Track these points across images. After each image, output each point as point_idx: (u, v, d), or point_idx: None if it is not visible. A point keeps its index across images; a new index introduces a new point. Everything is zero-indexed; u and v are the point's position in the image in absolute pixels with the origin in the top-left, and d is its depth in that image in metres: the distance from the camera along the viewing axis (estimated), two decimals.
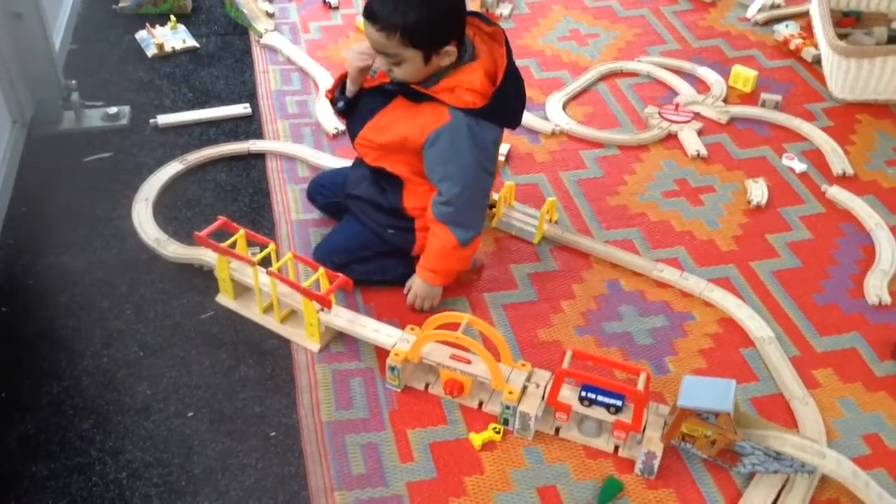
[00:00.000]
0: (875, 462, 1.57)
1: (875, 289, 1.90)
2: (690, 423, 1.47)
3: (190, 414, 1.59)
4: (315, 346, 1.72)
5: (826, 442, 1.58)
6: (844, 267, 1.99)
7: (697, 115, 2.45)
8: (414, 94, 1.65)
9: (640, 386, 1.50)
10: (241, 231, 1.73)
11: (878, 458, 1.58)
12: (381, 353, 1.68)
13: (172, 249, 1.90)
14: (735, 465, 1.50)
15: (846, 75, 2.45)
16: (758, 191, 2.17)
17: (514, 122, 1.75)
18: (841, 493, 1.50)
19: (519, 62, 2.61)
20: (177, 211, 2.04)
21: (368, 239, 1.83)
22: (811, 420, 1.62)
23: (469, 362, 1.60)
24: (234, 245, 1.73)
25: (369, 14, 1.57)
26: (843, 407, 1.67)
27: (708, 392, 1.46)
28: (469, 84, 1.62)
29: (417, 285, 1.78)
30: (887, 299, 1.88)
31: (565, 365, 1.53)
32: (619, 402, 1.51)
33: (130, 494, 1.45)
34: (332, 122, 2.32)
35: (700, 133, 2.38)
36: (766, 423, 1.52)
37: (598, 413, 1.54)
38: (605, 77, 2.62)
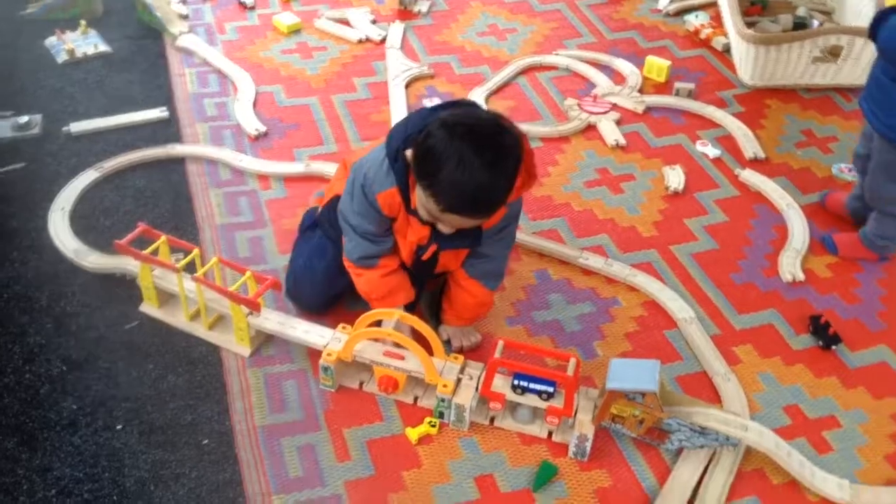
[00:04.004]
0: (796, 432, 1.64)
1: (789, 266, 1.98)
2: (619, 404, 1.51)
3: (119, 427, 1.56)
4: (245, 350, 1.70)
5: (748, 415, 1.64)
6: (759, 247, 2.06)
7: (615, 106, 2.50)
8: None
9: (570, 371, 1.53)
10: (163, 237, 1.70)
11: (798, 428, 1.65)
12: (314, 354, 1.67)
13: (92, 260, 1.85)
14: (663, 442, 1.55)
15: (755, 62, 2.54)
16: (675, 177, 2.23)
17: None
18: (765, 464, 1.56)
19: (439, 59, 2.67)
20: (95, 220, 1.99)
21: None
22: (733, 395, 1.68)
23: (402, 358, 1.61)
24: (156, 252, 1.69)
25: (467, 210, 1.45)
26: (763, 381, 1.74)
27: (634, 373, 1.50)
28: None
29: (457, 331, 1.75)
30: (801, 276, 1.96)
31: (497, 355, 1.56)
32: (550, 389, 1.54)
33: None
34: (254, 124, 2.30)
35: (618, 123, 2.44)
36: (690, 399, 1.58)
37: (531, 400, 1.56)
38: (524, 71, 2.65)
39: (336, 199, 1.70)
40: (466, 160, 1.38)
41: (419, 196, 1.49)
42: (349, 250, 1.66)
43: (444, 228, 1.53)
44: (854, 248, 2.03)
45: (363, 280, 1.68)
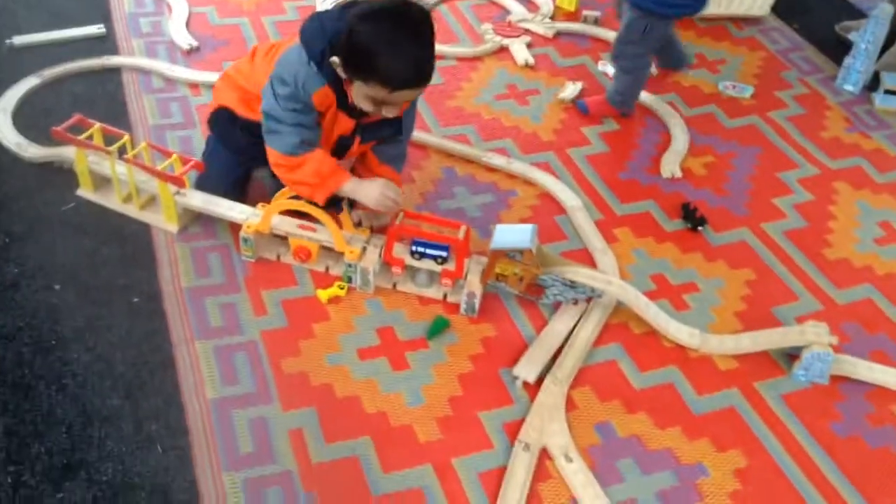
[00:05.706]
0: (659, 295, 1.88)
1: (669, 165, 2.22)
2: (502, 263, 1.73)
3: (57, 287, 1.74)
4: (174, 227, 1.88)
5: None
6: (645, 150, 2.30)
7: (527, 31, 2.71)
8: None
9: (461, 237, 1.74)
10: (97, 125, 1.86)
11: (662, 291, 1.89)
12: (237, 230, 1.86)
13: (32, 151, 2.01)
14: (541, 297, 1.78)
15: None
16: (570, 90, 2.45)
17: None
18: (629, 318, 1.80)
19: None
20: (35, 120, 2.14)
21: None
22: (608, 265, 1.91)
23: (314, 230, 1.80)
24: (90, 138, 1.86)
25: (414, 82, 1.63)
26: (635, 255, 1.97)
27: (513, 236, 1.72)
28: None
29: (367, 215, 1.91)
30: (678, 173, 2.20)
31: (397, 222, 1.76)
32: (444, 253, 1.75)
33: (3, 352, 1.60)
34: (186, 39, 2.45)
35: (529, 46, 2.65)
36: (565, 261, 1.80)
37: (428, 265, 1.77)
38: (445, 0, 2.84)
39: (222, 109, 1.86)
40: (395, 40, 1.57)
41: (359, 91, 1.64)
42: (284, 144, 1.71)
43: (391, 112, 1.68)
44: (601, 107, 2.36)
45: (308, 165, 1.72)
